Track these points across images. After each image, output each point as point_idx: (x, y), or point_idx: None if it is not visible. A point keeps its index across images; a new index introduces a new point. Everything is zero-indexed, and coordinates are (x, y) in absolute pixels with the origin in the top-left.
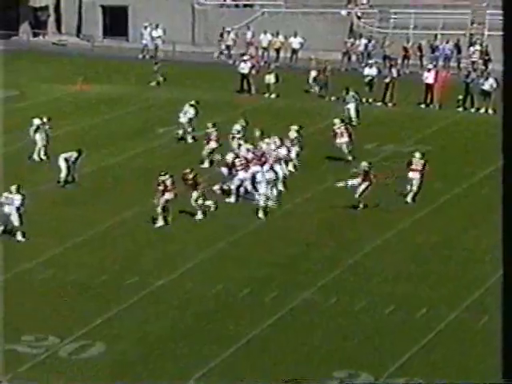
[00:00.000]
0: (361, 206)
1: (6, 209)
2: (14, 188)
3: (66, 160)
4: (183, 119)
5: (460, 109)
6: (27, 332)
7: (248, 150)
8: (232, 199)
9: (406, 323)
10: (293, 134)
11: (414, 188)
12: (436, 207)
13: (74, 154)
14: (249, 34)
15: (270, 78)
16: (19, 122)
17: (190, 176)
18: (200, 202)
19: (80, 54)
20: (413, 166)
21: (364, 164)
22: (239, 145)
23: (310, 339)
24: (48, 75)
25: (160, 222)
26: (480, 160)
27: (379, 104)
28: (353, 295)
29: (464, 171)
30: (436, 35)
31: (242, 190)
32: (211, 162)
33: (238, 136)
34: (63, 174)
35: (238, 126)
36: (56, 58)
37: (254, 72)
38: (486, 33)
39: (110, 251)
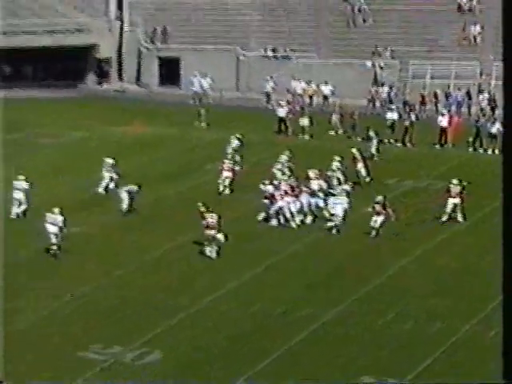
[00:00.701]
0: (373, 233)
1: (51, 228)
2: (56, 210)
3: (128, 192)
4: (229, 150)
5: (470, 149)
6: (95, 341)
7: (286, 182)
8: (274, 222)
9: (426, 334)
10: (336, 164)
11: (458, 212)
12: (451, 234)
13: (134, 187)
14: (286, 83)
15: (305, 121)
16: (86, 160)
17: (202, 209)
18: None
19: (138, 99)
20: (451, 193)
21: (379, 198)
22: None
23: (343, 350)
24: (110, 118)
25: (208, 253)
26: (490, 193)
27: (399, 144)
28: (382, 310)
29: (475, 203)
30: (449, 84)
31: (281, 217)
32: (227, 189)
33: (285, 165)
34: (125, 205)
35: (284, 157)
36: (117, 103)
37: (290, 116)
38: (493, 82)
39: (164, 274)
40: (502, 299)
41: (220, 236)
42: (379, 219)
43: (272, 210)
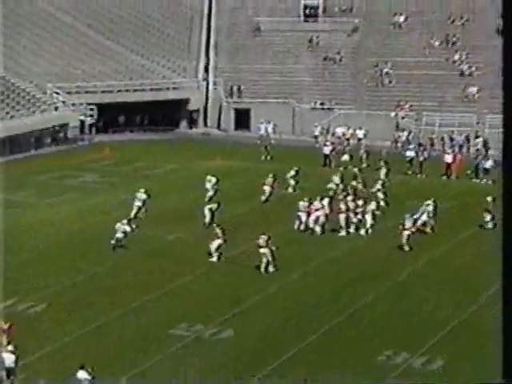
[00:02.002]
0: (406, 248)
1: (118, 234)
2: (125, 221)
3: (210, 209)
4: (288, 176)
5: (473, 180)
6: (183, 320)
7: (320, 202)
8: (318, 230)
9: (436, 317)
10: (377, 186)
11: (490, 223)
12: (458, 241)
13: (215, 205)
14: (330, 128)
15: (346, 157)
16: (180, 185)
17: (218, 230)
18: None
19: (219, 140)
20: (488, 208)
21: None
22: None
23: (368, 330)
24: (198, 154)
25: (214, 259)
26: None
27: (416, 175)
28: (402, 300)
29: (475, 217)
30: (453, 131)
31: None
32: (267, 200)
33: (338, 184)
34: (207, 219)
35: (336, 178)
36: (203, 143)
37: (333, 153)
38: (487, 130)
39: (233, 272)
40: (501, 299)
41: (214, 259)
42: (405, 233)
43: (310, 222)
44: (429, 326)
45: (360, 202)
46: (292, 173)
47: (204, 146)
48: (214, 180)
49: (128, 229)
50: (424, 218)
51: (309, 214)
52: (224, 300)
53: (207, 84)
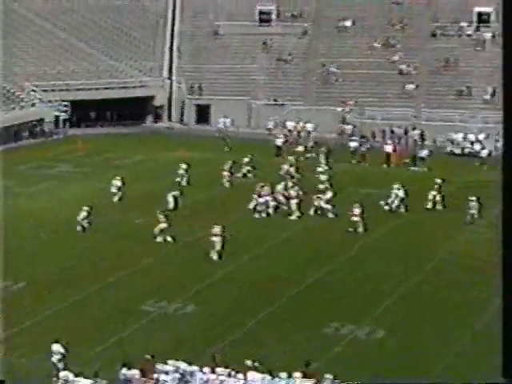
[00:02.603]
0: (350, 229)
1: (79, 219)
2: (85, 207)
3: (173, 196)
4: (243, 162)
5: (411, 168)
6: (150, 297)
7: (270, 188)
8: (263, 214)
9: (382, 288)
10: (319, 169)
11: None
12: (397, 223)
13: (178, 193)
14: (282, 122)
15: (300, 148)
16: (146, 175)
17: (161, 215)
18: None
19: (181, 134)
20: (438, 189)
21: (357, 205)
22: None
23: (318, 298)
24: (163, 146)
25: (159, 239)
26: (422, 194)
27: (359, 164)
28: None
29: (417, 198)
30: (393, 124)
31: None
32: (227, 185)
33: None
34: (171, 206)
35: (286, 166)
36: (167, 136)
37: (286, 144)
38: (424, 123)
39: (192, 254)
40: (501, 299)
41: (169, 238)
42: (355, 219)
43: (259, 204)
44: (375, 296)
45: (321, 186)
46: (246, 160)
47: (168, 139)
48: (184, 166)
49: (86, 214)
50: (396, 202)
51: (259, 195)
52: (185, 279)
53: (171, 82)
